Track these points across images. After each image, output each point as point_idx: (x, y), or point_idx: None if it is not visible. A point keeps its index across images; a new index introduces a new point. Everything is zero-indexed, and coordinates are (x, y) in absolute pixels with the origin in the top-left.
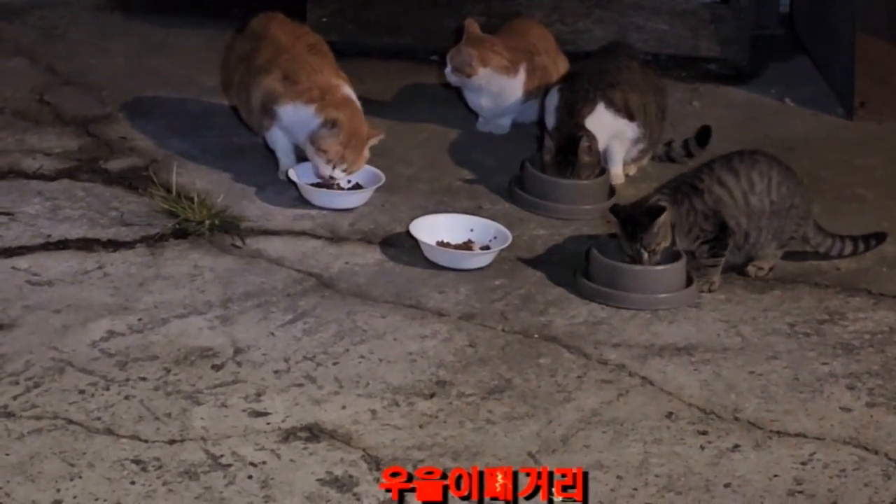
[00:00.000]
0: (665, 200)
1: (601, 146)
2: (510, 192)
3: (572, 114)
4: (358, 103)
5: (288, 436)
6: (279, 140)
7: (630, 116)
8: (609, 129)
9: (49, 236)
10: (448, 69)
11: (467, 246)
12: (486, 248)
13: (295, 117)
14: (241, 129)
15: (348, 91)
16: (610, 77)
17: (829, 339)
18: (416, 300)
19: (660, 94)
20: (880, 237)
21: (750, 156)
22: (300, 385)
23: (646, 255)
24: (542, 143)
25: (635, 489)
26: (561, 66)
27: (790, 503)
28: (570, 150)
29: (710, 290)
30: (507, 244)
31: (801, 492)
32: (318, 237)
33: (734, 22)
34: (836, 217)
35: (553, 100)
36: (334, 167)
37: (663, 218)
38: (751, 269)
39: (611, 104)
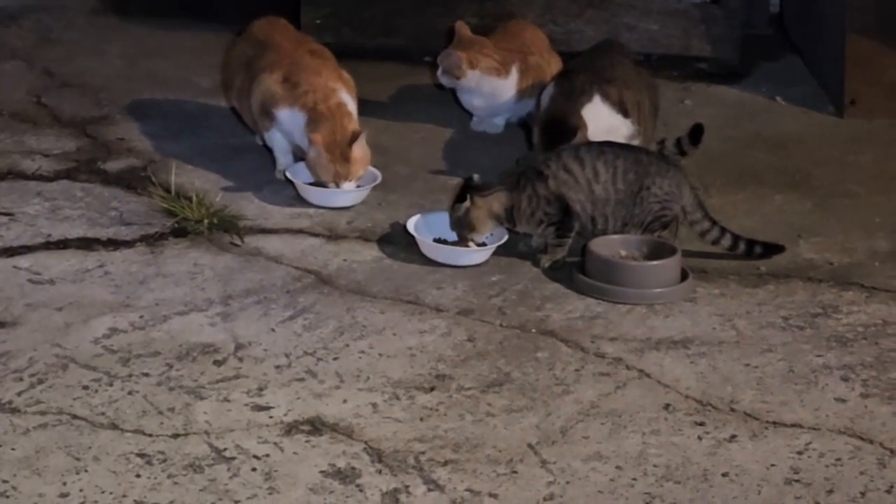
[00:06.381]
0: (500, 189)
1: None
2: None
3: (568, 104)
4: (351, 107)
5: (290, 429)
6: (278, 140)
7: (625, 113)
8: (604, 123)
9: (49, 236)
10: (440, 71)
11: (464, 243)
12: (483, 244)
13: (292, 122)
14: (238, 129)
15: (344, 97)
16: (606, 73)
17: (823, 331)
18: (414, 296)
19: (653, 91)
20: (772, 249)
21: (598, 147)
22: (301, 380)
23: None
24: (531, 140)
25: (634, 479)
26: (554, 66)
27: (787, 492)
28: (559, 136)
29: (552, 268)
30: (503, 241)
31: (797, 480)
32: (317, 235)
33: (725, 22)
34: (828, 213)
35: (548, 93)
36: (336, 185)
37: (466, 204)
38: None
39: (607, 98)
